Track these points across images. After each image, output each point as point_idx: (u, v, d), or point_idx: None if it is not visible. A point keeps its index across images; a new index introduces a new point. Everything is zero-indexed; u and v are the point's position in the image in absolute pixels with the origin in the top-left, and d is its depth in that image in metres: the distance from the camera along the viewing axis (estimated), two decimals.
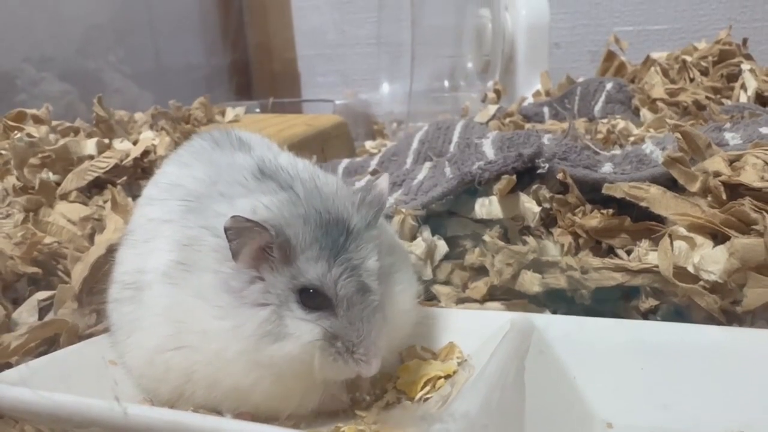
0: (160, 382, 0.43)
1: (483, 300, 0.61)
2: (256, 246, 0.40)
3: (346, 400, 0.44)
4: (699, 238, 0.50)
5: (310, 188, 0.43)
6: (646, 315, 0.54)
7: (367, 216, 0.43)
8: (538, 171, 0.62)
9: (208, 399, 0.42)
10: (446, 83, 1.40)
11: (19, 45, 1.32)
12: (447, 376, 0.48)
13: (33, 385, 0.38)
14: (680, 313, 0.53)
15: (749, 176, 0.50)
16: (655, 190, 0.53)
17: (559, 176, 0.59)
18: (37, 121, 0.85)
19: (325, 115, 1.28)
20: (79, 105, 1.40)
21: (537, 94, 1.24)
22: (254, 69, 2.00)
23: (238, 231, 0.39)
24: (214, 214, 0.43)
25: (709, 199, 0.53)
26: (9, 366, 0.49)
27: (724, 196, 0.52)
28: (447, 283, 0.64)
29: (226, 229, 0.39)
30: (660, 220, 0.55)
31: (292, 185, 0.43)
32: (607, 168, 0.61)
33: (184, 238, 0.43)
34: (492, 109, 1.10)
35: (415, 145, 0.96)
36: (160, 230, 0.45)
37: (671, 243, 0.50)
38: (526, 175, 0.64)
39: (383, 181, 0.45)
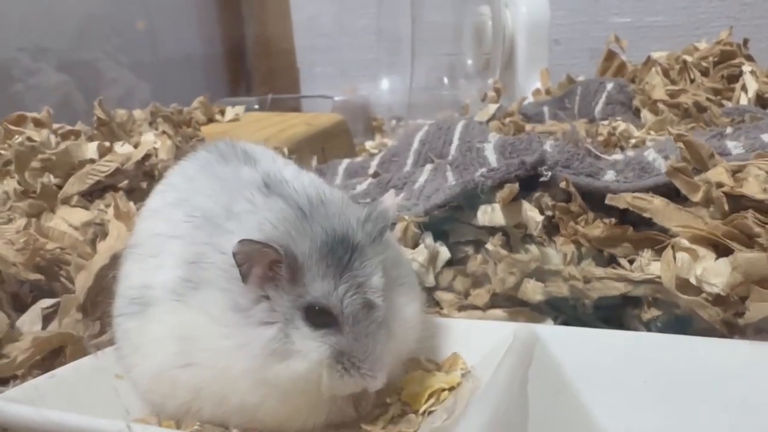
0: (167, 398, 0.43)
1: (485, 307, 0.61)
2: (264, 265, 0.40)
3: (353, 413, 0.45)
4: (701, 250, 0.50)
5: (316, 205, 0.43)
6: (648, 324, 0.54)
7: (373, 232, 0.43)
8: (541, 178, 0.62)
9: (215, 415, 0.42)
10: (446, 80, 1.40)
11: (14, 34, 1.31)
12: (451, 388, 0.48)
13: (39, 402, 0.38)
14: (681, 323, 0.53)
15: (752, 188, 0.51)
16: (658, 201, 0.53)
17: (562, 185, 0.59)
18: (38, 124, 0.85)
19: (325, 114, 1.28)
20: (76, 95, 1.39)
21: (537, 92, 1.24)
22: (252, 60, 1.99)
23: (247, 254, 0.39)
24: (221, 231, 0.43)
25: (711, 209, 0.53)
26: (15, 378, 0.50)
27: (726, 207, 0.52)
28: (449, 289, 0.64)
29: (234, 254, 0.39)
30: (662, 229, 0.56)
31: (299, 201, 0.43)
32: (609, 176, 0.61)
33: (190, 255, 0.43)
34: (492, 108, 1.10)
35: (415, 145, 0.96)
36: (166, 246, 0.45)
37: (674, 254, 0.51)
38: (528, 181, 0.64)
39: (389, 198, 0.45)
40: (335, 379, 0.41)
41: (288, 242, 0.40)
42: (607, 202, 0.56)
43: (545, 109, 1.08)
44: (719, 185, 0.53)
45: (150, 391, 0.44)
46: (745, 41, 0.99)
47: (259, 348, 0.40)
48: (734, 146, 0.60)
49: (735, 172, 0.54)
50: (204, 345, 0.41)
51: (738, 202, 0.53)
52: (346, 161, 0.99)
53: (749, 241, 0.50)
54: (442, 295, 0.63)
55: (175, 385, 0.42)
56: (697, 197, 0.54)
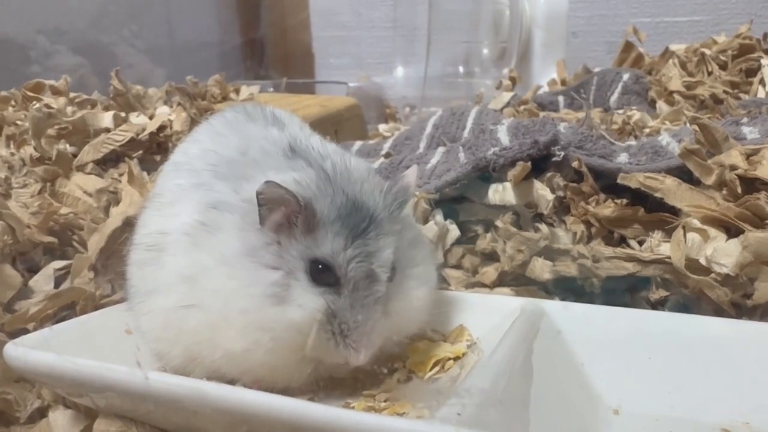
0: (173, 345, 0.43)
1: (493, 285, 0.61)
2: (283, 213, 0.41)
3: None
4: (712, 231, 0.50)
5: (340, 170, 0.44)
6: (656, 306, 0.54)
7: (392, 205, 0.43)
8: (553, 159, 0.62)
9: (212, 363, 0.42)
10: (461, 69, 1.40)
11: (33, 16, 1.32)
12: (456, 358, 0.49)
13: (54, 349, 0.39)
14: (689, 306, 0.53)
15: (766, 170, 0.50)
16: (670, 181, 0.53)
17: (575, 164, 0.59)
18: (56, 92, 0.85)
19: (339, 96, 1.28)
20: (92, 78, 1.40)
21: (552, 82, 1.23)
22: (268, 49, 1.99)
23: (270, 197, 0.40)
24: (245, 179, 0.43)
25: (724, 192, 0.53)
26: (26, 332, 0.50)
27: (739, 190, 0.52)
28: (457, 267, 0.64)
29: (258, 193, 0.40)
30: (673, 211, 0.56)
31: (323, 164, 0.44)
32: (622, 158, 0.61)
33: (210, 201, 0.43)
34: (506, 96, 1.10)
35: (428, 129, 0.96)
36: (187, 194, 0.45)
37: (684, 235, 0.50)
38: (540, 163, 0.64)
39: (412, 173, 0.45)
40: (322, 341, 0.41)
41: (310, 197, 0.41)
42: (619, 181, 0.56)
43: (560, 98, 1.07)
44: (733, 168, 0.53)
45: (158, 339, 0.44)
46: (765, 35, 0.99)
47: (260, 288, 0.40)
48: (749, 131, 0.60)
49: (749, 156, 0.53)
50: (209, 285, 0.41)
51: (751, 186, 0.53)
52: (359, 143, 0.99)
53: (761, 223, 0.49)
54: (451, 273, 0.63)
55: (180, 329, 0.42)
56: (710, 180, 0.54)
